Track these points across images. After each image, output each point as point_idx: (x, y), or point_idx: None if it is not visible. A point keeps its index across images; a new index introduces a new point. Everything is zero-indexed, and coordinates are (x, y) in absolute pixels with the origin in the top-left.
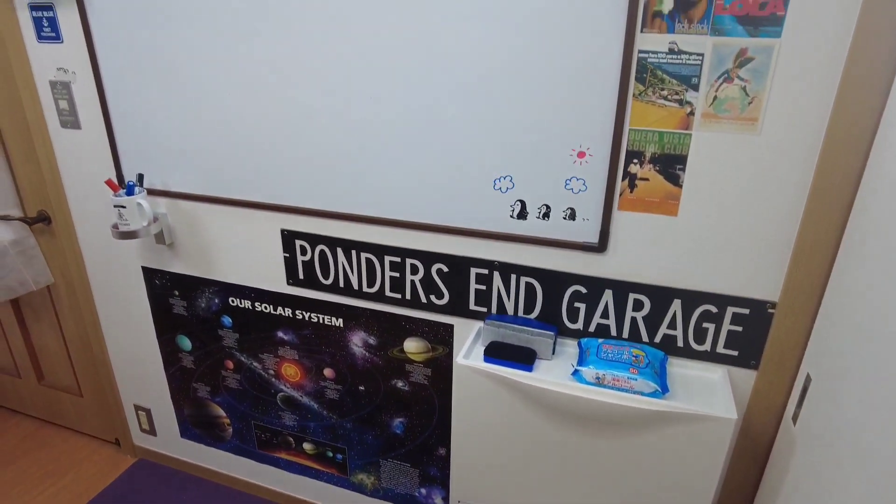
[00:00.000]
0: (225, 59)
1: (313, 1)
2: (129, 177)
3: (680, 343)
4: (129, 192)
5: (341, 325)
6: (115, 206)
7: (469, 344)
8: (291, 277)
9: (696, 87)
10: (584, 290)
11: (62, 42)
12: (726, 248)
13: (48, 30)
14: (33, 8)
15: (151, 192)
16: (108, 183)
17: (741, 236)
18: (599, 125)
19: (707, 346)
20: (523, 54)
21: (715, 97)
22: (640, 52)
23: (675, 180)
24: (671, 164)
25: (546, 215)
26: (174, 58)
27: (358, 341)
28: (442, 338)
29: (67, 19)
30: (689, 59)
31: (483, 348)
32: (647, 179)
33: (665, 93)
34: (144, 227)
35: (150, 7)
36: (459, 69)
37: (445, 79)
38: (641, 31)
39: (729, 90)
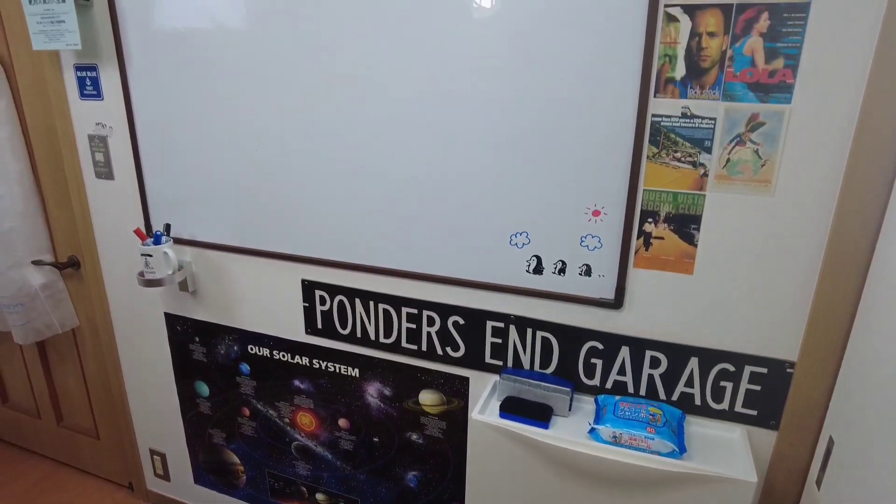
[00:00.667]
0: (249, 117)
1: (338, 59)
2: (157, 226)
3: (698, 401)
4: (157, 242)
5: (357, 376)
6: (142, 255)
7: (485, 398)
8: (310, 327)
9: (709, 150)
10: (600, 346)
11: (102, 99)
12: (743, 306)
13: (90, 88)
14: (79, 68)
15: (177, 241)
16: (137, 232)
17: (758, 295)
18: (614, 185)
19: (725, 405)
20: (540, 114)
21: (728, 159)
22: (653, 115)
23: (690, 239)
24: (686, 224)
25: (562, 271)
26: (203, 114)
27: (373, 392)
28: (457, 390)
29: (109, 78)
30: (701, 123)
31: (499, 403)
32: (662, 238)
33: (679, 155)
34: (169, 275)
35: (183, 67)
36: (478, 127)
37: (465, 136)
38: (655, 96)
39: (742, 153)
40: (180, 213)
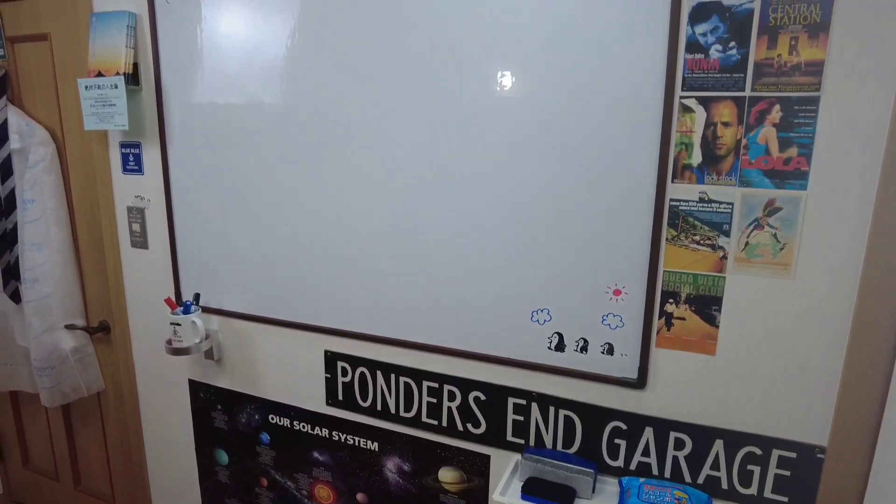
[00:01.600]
0: (278, 192)
1: (364, 138)
2: (187, 294)
3: (724, 485)
4: (186, 311)
5: (376, 450)
6: (171, 323)
7: (506, 478)
8: (331, 398)
9: (727, 233)
10: (623, 427)
11: (143, 174)
12: (768, 389)
13: (133, 164)
14: (123, 146)
15: (205, 310)
16: (168, 301)
17: (783, 378)
18: (634, 265)
19: (754, 490)
20: (561, 194)
21: (747, 243)
22: (671, 199)
23: (712, 320)
24: (707, 305)
25: (584, 349)
26: (234, 188)
27: (392, 467)
28: (478, 468)
29: (150, 155)
30: (719, 208)
31: (521, 484)
32: (683, 319)
33: (697, 237)
34: (196, 344)
35: (217, 143)
36: (500, 205)
37: (487, 213)
38: (672, 181)
39: (760, 236)
40: (209, 281)
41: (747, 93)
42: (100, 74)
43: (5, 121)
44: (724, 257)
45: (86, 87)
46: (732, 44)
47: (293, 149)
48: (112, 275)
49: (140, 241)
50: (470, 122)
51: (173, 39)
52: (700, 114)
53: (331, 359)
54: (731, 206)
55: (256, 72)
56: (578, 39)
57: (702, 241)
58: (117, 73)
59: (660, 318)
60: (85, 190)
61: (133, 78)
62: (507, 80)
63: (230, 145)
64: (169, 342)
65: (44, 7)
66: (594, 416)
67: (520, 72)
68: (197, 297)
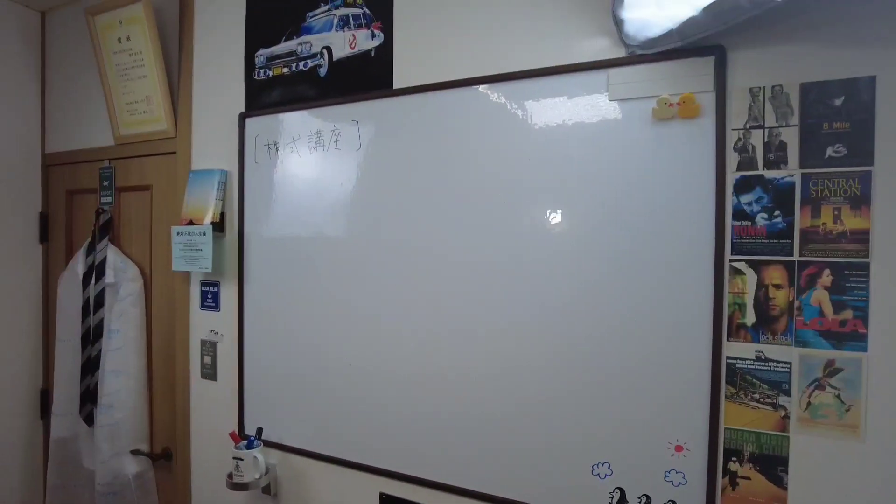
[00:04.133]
0: (337, 330)
1: (416, 282)
2: (250, 427)
3: None
4: (249, 446)
5: None
6: (233, 458)
7: None
8: None
9: (787, 393)
10: None
11: (219, 311)
12: None
13: (210, 301)
14: (204, 284)
15: (266, 444)
16: (232, 435)
17: None
18: (694, 422)
19: None
20: (620, 349)
21: (809, 403)
22: (728, 357)
23: (779, 482)
24: (772, 465)
25: None
26: (298, 326)
27: None
28: None
29: (227, 293)
30: (777, 367)
31: None
32: (748, 478)
33: (757, 396)
34: (256, 479)
35: (286, 281)
36: (561, 357)
37: (548, 364)
38: (728, 340)
39: (822, 397)
40: (271, 414)
41: (796, 257)
42: (191, 223)
43: (104, 258)
44: (787, 416)
45: (177, 233)
46: (777, 212)
47: (352, 283)
48: (180, 404)
49: (210, 373)
50: (526, 275)
51: (255, 190)
52: (751, 276)
53: (385, 502)
54: (788, 366)
55: (323, 207)
56: (631, 202)
57: (762, 400)
58: (206, 222)
59: (724, 476)
60: (164, 323)
61: (219, 226)
62: (563, 233)
63: (297, 278)
64: (230, 476)
65: (151, 164)
66: None
67: (574, 224)
68: (259, 431)
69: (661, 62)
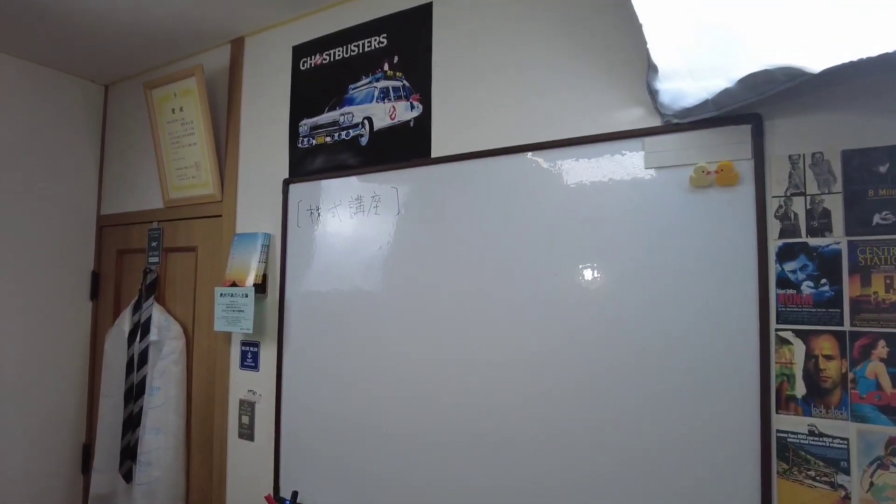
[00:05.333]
0: (371, 390)
1: (448, 344)
2: (285, 490)
3: None
4: None
5: None
6: None
7: None
8: None
9: (846, 471)
10: None
11: (258, 371)
12: None
13: (250, 361)
14: (244, 344)
15: None
16: (267, 498)
17: None
18: (746, 500)
19: None
20: (664, 419)
21: (871, 483)
22: (778, 431)
23: None
24: None
25: None
26: (336, 395)
27: None
28: None
29: (267, 353)
30: (832, 443)
31: None
32: None
33: (812, 473)
34: None
35: (325, 348)
36: (600, 431)
37: (586, 437)
38: (777, 412)
39: (886, 477)
40: (307, 478)
41: (847, 327)
42: (234, 284)
43: (150, 317)
44: (847, 497)
45: (220, 294)
46: (824, 281)
47: (388, 343)
48: (217, 464)
49: (247, 433)
50: (565, 340)
51: (297, 253)
52: (799, 346)
53: None
54: (846, 442)
55: (362, 269)
56: (671, 269)
57: (818, 478)
58: (248, 284)
59: None
60: (204, 382)
61: (261, 287)
62: (601, 297)
63: (334, 338)
64: None
65: (197, 226)
66: None
67: (613, 290)
68: (295, 495)
69: (698, 130)
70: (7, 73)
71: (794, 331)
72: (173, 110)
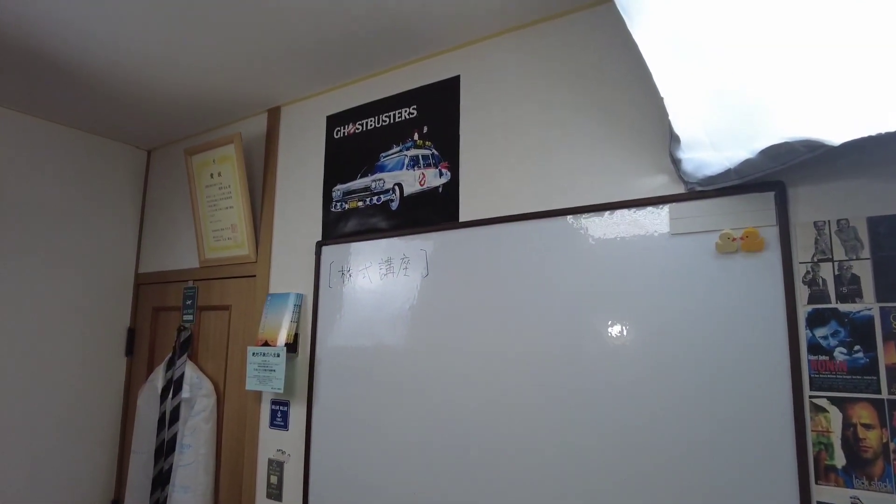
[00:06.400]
0: (399, 446)
1: (473, 404)
2: None
3: None
4: None
5: None
6: None
7: None
8: None
9: None
10: None
11: (287, 430)
12: None
13: (280, 420)
14: (274, 403)
15: None
16: None
17: None
18: None
19: None
20: (695, 488)
21: None
22: (818, 503)
23: None
24: None
25: None
26: (364, 456)
27: None
28: None
29: (296, 412)
30: None
31: None
32: None
33: None
34: None
35: (355, 410)
36: (628, 494)
37: (614, 495)
38: (816, 483)
39: None
40: None
41: (885, 395)
42: (266, 343)
43: (182, 374)
44: None
45: (253, 354)
46: (857, 347)
47: (417, 401)
48: None
49: (275, 493)
50: (592, 402)
51: (328, 313)
52: (835, 414)
53: None
54: None
55: (391, 329)
56: (699, 333)
57: None
58: (280, 343)
59: None
60: (234, 440)
61: (292, 346)
62: (629, 362)
63: (364, 398)
64: None
65: (231, 286)
66: None
67: (641, 354)
68: None
69: (721, 197)
70: (59, 141)
71: (829, 398)
72: (212, 175)
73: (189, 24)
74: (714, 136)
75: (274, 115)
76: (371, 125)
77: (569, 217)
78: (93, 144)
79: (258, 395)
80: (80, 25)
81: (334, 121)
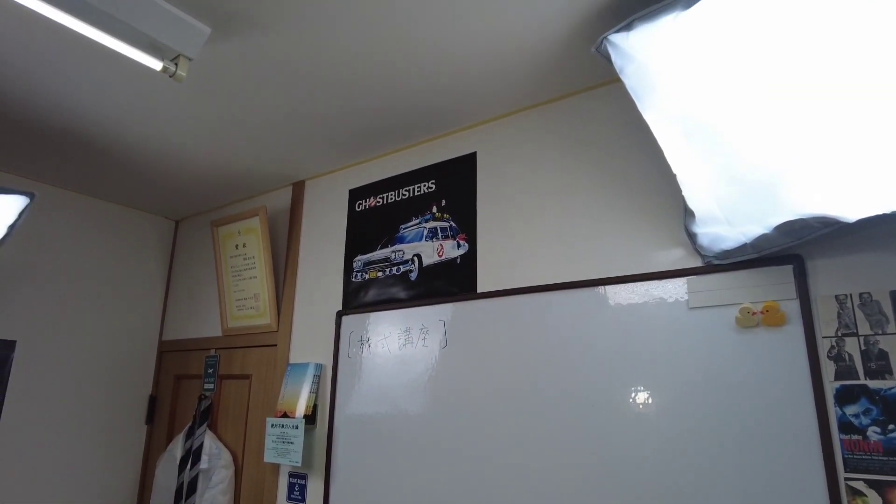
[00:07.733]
0: None
1: (494, 466)
2: None
3: None
4: None
5: None
6: None
7: None
8: None
9: None
10: None
11: (304, 503)
12: None
13: (297, 493)
14: (292, 475)
15: None
16: None
17: None
18: None
19: None
20: None
21: None
22: None
23: None
24: None
25: None
26: None
27: None
28: None
29: (314, 486)
30: None
31: None
32: None
33: None
34: None
35: (374, 482)
36: None
37: None
38: None
39: None
40: None
41: None
42: (285, 415)
43: (202, 444)
44: None
45: (272, 425)
46: (892, 427)
47: (434, 465)
48: None
49: None
50: (613, 475)
51: (347, 384)
52: (874, 498)
53: None
54: None
55: (410, 399)
56: (723, 410)
57: None
58: (299, 415)
59: None
60: None
61: (311, 418)
62: (650, 435)
63: (382, 469)
64: None
65: (252, 355)
66: None
67: (663, 427)
68: None
69: (739, 271)
70: (90, 213)
71: (866, 481)
72: (237, 246)
73: (219, 106)
74: (728, 212)
75: (298, 188)
76: (391, 198)
77: (585, 289)
78: (124, 216)
79: (276, 468)
80: (115, 108)
81: (356, 194)
